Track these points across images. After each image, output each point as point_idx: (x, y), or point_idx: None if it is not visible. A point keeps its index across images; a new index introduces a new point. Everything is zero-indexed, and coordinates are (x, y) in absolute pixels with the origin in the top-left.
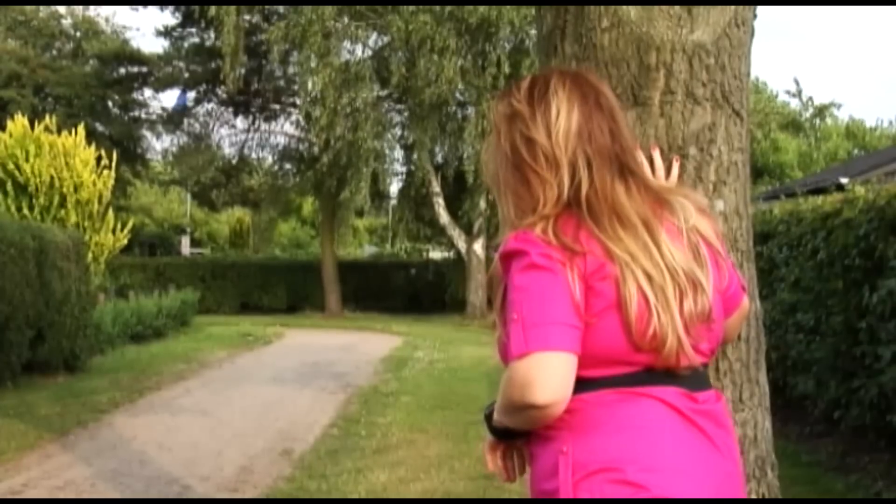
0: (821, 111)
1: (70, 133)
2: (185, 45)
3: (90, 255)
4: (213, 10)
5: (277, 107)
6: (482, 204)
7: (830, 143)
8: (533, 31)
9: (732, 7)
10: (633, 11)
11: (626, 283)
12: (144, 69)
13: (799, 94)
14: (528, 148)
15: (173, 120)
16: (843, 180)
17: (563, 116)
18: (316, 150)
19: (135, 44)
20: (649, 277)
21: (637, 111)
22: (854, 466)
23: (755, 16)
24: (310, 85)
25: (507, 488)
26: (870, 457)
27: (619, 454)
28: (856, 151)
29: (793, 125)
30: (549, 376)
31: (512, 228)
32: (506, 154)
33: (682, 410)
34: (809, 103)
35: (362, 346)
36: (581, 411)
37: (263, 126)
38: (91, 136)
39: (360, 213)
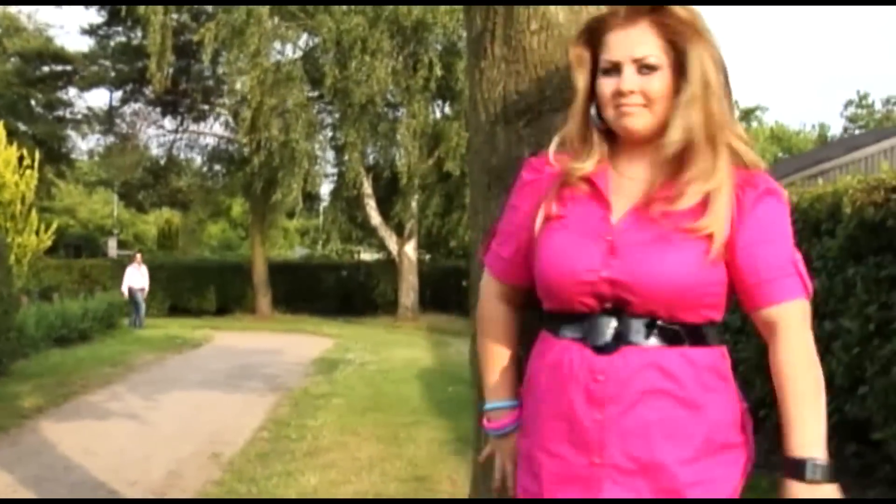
0: (747, 115)
1: None
2: (112, 43)
3: (13, 257)
4: (139, 8)
5: (206, 107)
6: (413, 205)
7: (757, 147)
8: (465, 34)
9: None
10: (561, 14)
11: None
12: (69, 68)
13: None
14: None
15: (99, 120)
16: None
17: None
18: (246, 151)
19: (59, 42)
20: None
21: (565, 114)
22: (779, 464)
23: None
24: (238, 85)
25: (437, 490)
26: None
27: None
28: (780, 154)
29: None
30: None
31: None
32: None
33: None
34: (735, 106)
35: (293, 348)
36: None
37: (192, 126)
38: (13, 135)
39: (290, 215)
